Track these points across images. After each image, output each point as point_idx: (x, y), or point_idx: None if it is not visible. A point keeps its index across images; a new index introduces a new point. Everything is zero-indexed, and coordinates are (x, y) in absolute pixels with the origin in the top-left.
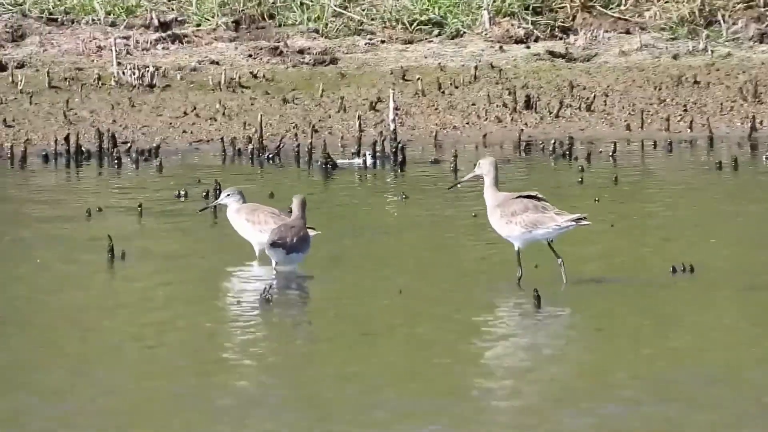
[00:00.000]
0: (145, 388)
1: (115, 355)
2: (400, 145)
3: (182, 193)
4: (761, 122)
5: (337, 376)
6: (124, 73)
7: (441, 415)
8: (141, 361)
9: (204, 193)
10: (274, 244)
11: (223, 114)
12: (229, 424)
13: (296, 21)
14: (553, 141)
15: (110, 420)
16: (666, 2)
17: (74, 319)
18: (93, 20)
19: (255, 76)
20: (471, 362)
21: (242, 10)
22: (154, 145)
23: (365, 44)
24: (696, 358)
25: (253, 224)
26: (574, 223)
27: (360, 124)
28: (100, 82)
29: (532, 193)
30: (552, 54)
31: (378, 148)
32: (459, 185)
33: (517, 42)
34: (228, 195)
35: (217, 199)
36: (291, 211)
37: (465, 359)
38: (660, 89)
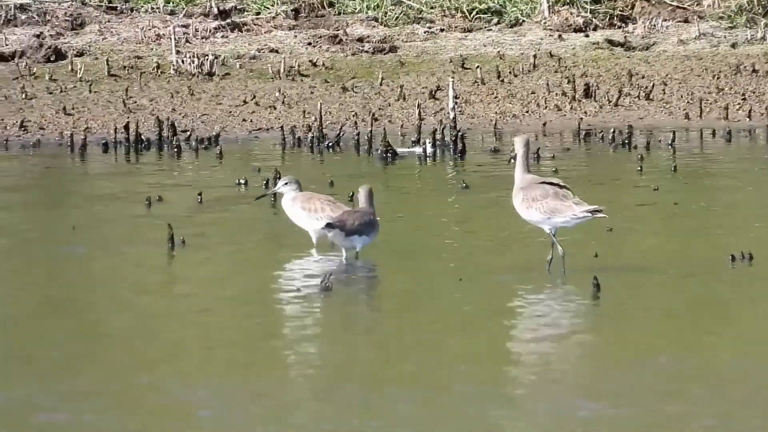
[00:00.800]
0: (201, 380)
1: (174, 346)
2: (459, 134)
3: (242, 181)
4: None
5: (404, 373)
6: (183, 61)
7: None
8: (199, 352)
9: (264, 182)
10: (329, 225)
11: (283, 102)
12: (304, 415)
13: (356, 9)
14: (612, 130)
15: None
16: None
17: (135, 306)
18: (152, 8)
19: (314, 65)
20: (533, 351)
21: None
22: (214, 133)
23: (424, 32)
24: (751, 348)
25: (309, 212)
26: (590, 214)
27: (420, 113)
28: (159, 71)
29: (555, 181)
30: (611, 43)
31: (438, 137)
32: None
33: (576, 30)
34: (285, 183)
35: (275, 187)
36: (351, 201)
37: (522, 350)
38: (718, 78)
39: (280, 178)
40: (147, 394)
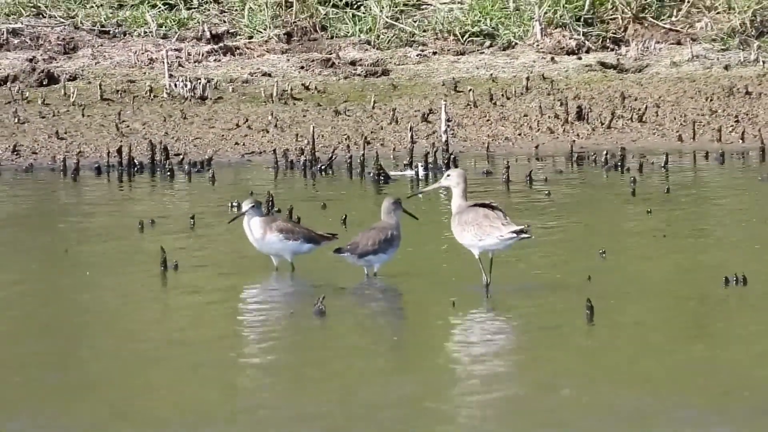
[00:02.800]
0: (197, 402)
1: (165, 368)
2: (452, 157)
3: (235, 204)
4: None
5: (396, 397)
6: (176, 85)
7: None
8: (192, 375)
9: (232, 204)
10: (338, 251)
11: (275, 126)
12: None
13: (348, 33)
14: (604, 152)
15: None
16: (717, 13)
17: (126, 329)
18: (145, 32)
19: (307, 88)
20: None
21: (294, 22)
22: (207, 157)
23: (417, 55)
24: (745, 371)
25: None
26: (515, 235)
27: (412, 136)
28: (152, 95)
29: (487, 202)
30: (603, 65)
31: (430, 160)
32: (420, 195)
33: (568, 53)
34: (252, 206)
35: (243, 209)
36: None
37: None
38: (711, 100)
39: (273, 201)
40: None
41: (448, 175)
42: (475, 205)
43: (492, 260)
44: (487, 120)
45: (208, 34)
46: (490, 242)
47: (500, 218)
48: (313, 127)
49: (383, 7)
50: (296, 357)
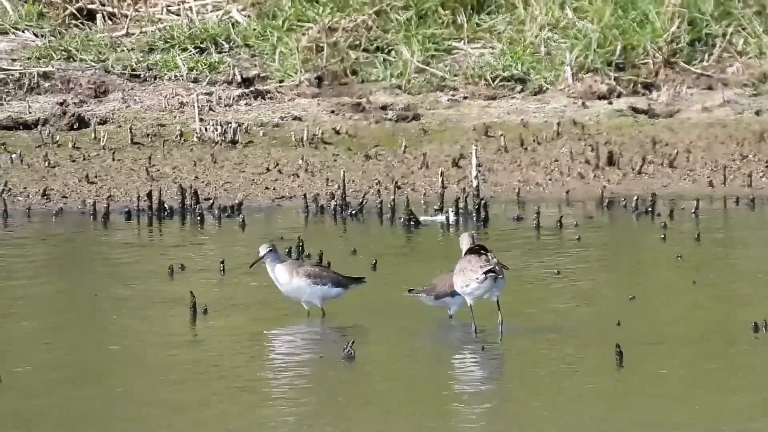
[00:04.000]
0: None
1: (195, 415)
2: (482, 202)
3: None
4: None
5: None
6: (206, 129)
7: None
8: (221, 421)
9: (287, 250)
10: (411, 291)
11: (306, 170)
12: None
13: (379, 77)
14: (635, 198)
15: None
16: (749, 58)
17: (155, 375)
18: (175, 76)
19: (337, 132)
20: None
21: (325, 66)
22: (237, 201)
23: (448, 100)
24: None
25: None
26: (484, 275)
27: (442, 181)
28: (182, 138)
29: (477, 246)
30: (634, 110)
31: (461, 205)
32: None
33: (599, 98)
34: (270, 250)
35: (261, 253)
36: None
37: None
38: (742, 145)
39: (303, 246)
40: None
41: (462, 238)
42: (468, 251)
43: (498, 302)
44: (518, 165)
45: (239, 77)
46: (473, 287)
47: (483, 261)
48: (344, 171)
49: (414, 52)
50: (323, 401)
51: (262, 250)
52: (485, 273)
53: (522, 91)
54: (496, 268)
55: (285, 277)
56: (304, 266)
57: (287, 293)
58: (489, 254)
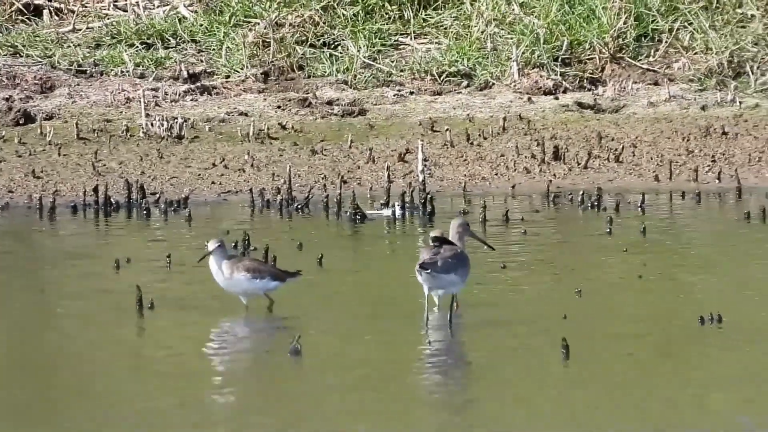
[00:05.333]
0: None
1: (141, 407)
2: (428, 197)
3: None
4: None
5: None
6: (152, 124)
7: None
8: (167, 415)
9: (233, 244)
10: (423, 265)
11: (252, 165)
12: None
13: (325, 72)
14: (581, 192)
15: None
16: (695, 54)
17: (98, 368)
18: (122, 72)
19: (284, 127)
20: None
21: (271, 62)
22: (183, 196)
23: (394, 95)
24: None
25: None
26: (418, 269)
27: (389, 175)
28: (128, 134)
29: (440, 236)
30: (580, 105)
31: (407, 199)
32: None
33: (545, 93)
34: (218, 246)
35: (210, 248)
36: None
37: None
38: (688, 140)
39: (249, 241)
40: None
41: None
42: (433, 239)
43: (454, 297)
44: (464, 160)
45: (185, 73)
46: (420, 280)
47: (428, 253)
48: (290, 166)
49: (360, 47)
50: (269, 395)
51: (212, 245)
52: (418, 267)
53: (468, 86)
54: (427, 263)
55: (226, 271)
56: (244, 261)
57: (227, 287)
58: (443, 247)
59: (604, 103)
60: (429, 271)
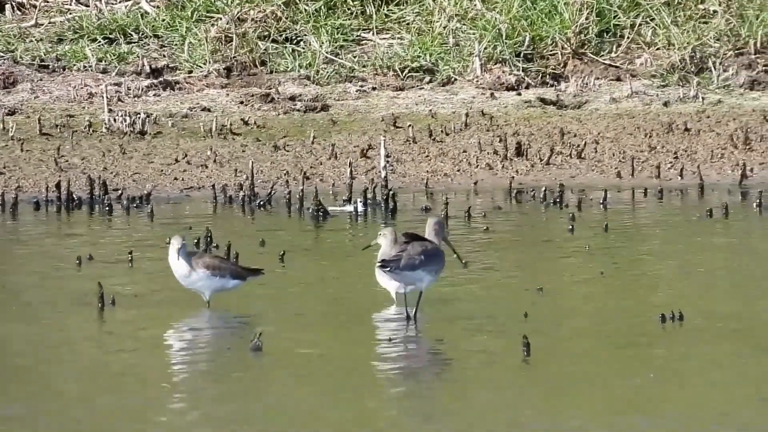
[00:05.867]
0: None
1: (101, 403)
2: (391, 193)
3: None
4: (752, 169)
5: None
6: (115, 120)
7: None
8: (127, 411)
9: (195, 240)
10: (384, 264)
11: (215, 161)
12: None
13: (287, 68)
14: (543, 188)
15: None
16: (657, 49)
17: (60, 365)
18: (84, 67)
19: (246, 123)
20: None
21: (234, 57)
22: (145, 192)
23: (356, 91)
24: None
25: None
26: (379, 265)
27: (351, 171)
28: (91, 129)
29: (409, 233)
30: (543, 101)
31: (369, 195)
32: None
33: (508, 89)
34: (184, 244)
35: (175, 246)
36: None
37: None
38: (651, 136)
39: (211, 237)
40: None
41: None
42: (404, 234)
43: (420, 294)
44: (426, 156)
45: (147, 68)
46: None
47: (394, 250)
48: (252, 162)
49: (323, 43)
50: (230, 391)
51: (177, 242)
52: (379, 265)
53: (430, 81)
54: (388, 261)
55: (186, 268)
56: (204, 257)
57: (186, 284)
58: (411, 244)
59: (566, 99)
60: (389, 269)
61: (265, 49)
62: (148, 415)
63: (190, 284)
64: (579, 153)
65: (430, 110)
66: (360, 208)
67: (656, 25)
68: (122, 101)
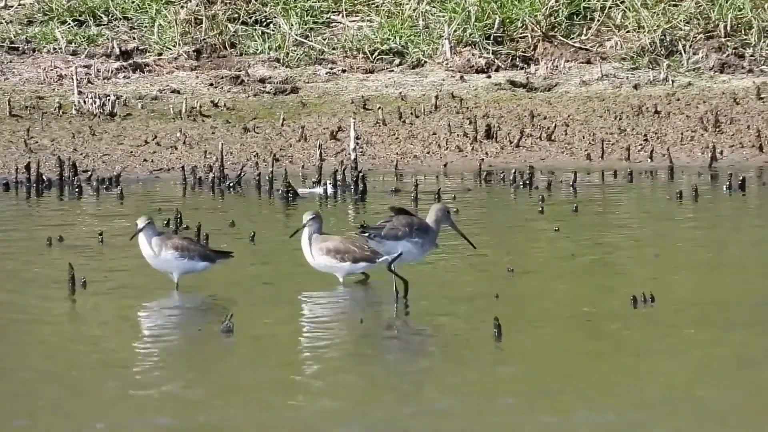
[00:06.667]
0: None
1: (71, 384)
2: (360, 175)
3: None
4: (721, 152)
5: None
6: (85, 101)
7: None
8: (100, 393)
9: (165, 222)
10: (363, 229)
11: (184, 143)
12: None
13: (257, 50)
14: (513, 170)
15: None
16: (627, 32)
17: (31, 347)
18: (54, 49)
19: (216, 105)
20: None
21: (203, 39)
22: (115, 173)
23: (326, 73)
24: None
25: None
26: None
27: (321, 153)
28: (61, 111)
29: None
30: (513, 83)
31: (339, 177)
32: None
33: (478, 71)
34: (148, 223)
35: (139, 226)
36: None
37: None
38: (620, 119)
39: (181, 218)
40: None
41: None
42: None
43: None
44: (396, 138)
45: (117, 50)
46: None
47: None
48: (222, 144)
49: (292, 25)
50: (201, 373)
51: (141, 222)
52: (359, 230)
53: (400, 64)
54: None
55: (155, 248)
56: (173, 239)
57: (155, 265)
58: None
59: (536, 82)
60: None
61: (234, 32)
62: (115, 396)
63: (157, 265)
64: (549, 135)
65: (400, 93)
66: (329, 189)
67: (626, 7)
68: (92, 83)
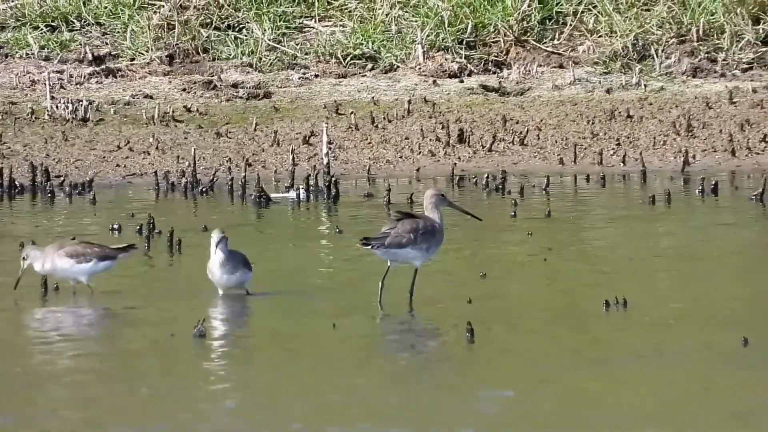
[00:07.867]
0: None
1: (41, 391)
2: (333, 179)
3: (115, 227)
4: (694, 156)
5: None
6: (57, 107)
7: None
8: (70, 399)
9: (138, 227)
10: (365, 241)
11: (157, 148)
12: None
13: (230, 55)
14: (486, 175)
15: None
16: (599, 37)
17: (4, 351)
18: (27, 54)
19: (189, 110)
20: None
21: (176, 44)
22: (88, 179)
23: (299, 78)
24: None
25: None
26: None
27: (293, 158)
28: (33, 116)
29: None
30: (485, 88)
31: (311, 182)
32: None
33: (450, 76)
34: (34, 251)
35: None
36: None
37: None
38: (593, 123)
39: (154, 223)
40: None
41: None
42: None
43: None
44: (369, 143)
45: (90, 56)
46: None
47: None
48: (195, 149)
49: (265, 30)
50: (175, 378)
51: (24, 253)
52: (361, 242)
53: (373, 69)
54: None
55: (48, 262)
56: (65, 246)
57: (57, 277)
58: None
59: (509, 86)
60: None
61: (207, 37)
62: (89, 402)
63: (56, 275)
64: (521, 140)
65: (373, 97)
66: (302, 194)
67: (599, 12)
68: (65, 88)
